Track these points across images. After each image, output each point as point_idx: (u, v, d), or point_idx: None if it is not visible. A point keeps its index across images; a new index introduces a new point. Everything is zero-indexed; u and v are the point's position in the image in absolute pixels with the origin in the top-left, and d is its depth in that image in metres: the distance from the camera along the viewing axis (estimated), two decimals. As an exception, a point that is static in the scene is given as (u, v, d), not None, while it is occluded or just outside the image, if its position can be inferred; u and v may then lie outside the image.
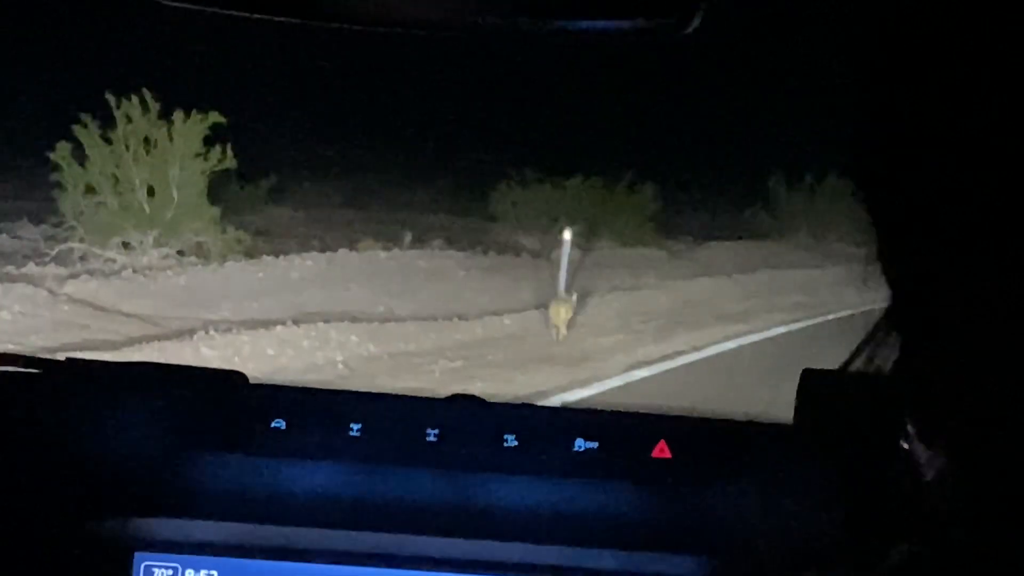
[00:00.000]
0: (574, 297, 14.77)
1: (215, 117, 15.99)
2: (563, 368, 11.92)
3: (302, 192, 23.65)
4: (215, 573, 1.59)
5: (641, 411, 1.64)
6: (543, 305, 15.09)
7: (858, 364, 0.78)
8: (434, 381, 10.81)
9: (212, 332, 11.74)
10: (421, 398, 1.67)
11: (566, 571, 1.56)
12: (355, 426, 1.58)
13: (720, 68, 36.91)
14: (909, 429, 0.68)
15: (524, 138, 27.35)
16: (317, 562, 1.58)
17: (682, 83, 37.72)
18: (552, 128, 29.44)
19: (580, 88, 36.06)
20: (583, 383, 11.13)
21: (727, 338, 14.55)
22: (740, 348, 14.14)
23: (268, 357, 11.19)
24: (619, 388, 11.13)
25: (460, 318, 13.84)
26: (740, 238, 24.64)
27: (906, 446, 0.68)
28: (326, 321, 12.63)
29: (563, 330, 14.40)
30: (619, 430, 1.58)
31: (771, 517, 1.54)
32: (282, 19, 1.23)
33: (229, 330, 11.96)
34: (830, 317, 16.60)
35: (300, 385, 1.71)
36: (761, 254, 23.17)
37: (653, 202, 23.04)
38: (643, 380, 11.68)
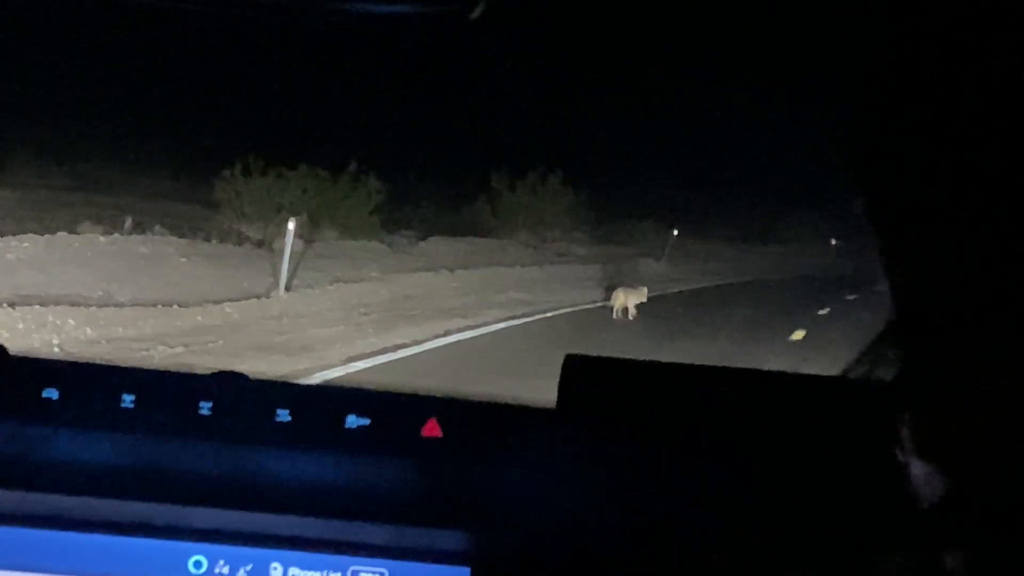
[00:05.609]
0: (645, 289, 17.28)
1: (-71, 91, 15.49)
2: (283, 357, 11.87)
3: (21, 173, 23.01)
4: (-18, 542, 1.56)
5: (411, 392, 1.67)
6: (264, 295, 15.03)
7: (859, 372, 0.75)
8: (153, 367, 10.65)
9: (-78, 312, 11.40)
10: (193, 374, 1.67)
11: (337, 544, 1.59)
12: (128, 397, 1.57)
13: (449, 62, 37.22)
14: (904, 440, 0.68)
15: (249, 126, 27.13)
16: (87, 531, 1.56)
17: (410, 76, 37.91)
18: (278, 116, 29.29)
19: (307, 77, 35.93)
20: (303, 373, 11.08)
21: (447, 332, 14.69)
22: (459, 342, 14.28)
23: (-20, 338, 10.88)
24: (339, 379, 11.09)
25: (180, 305, 13.67)
26: (462, 234, 24.88)
27: (900, 458, 0.68)
28: (43, 304, 12.34)
29: (632, 311, 16.73)
30: (391, 408, 1.61)
31: (535, 494, 1.59)
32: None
33: (-60, 310, 11.62)
34: (548, 315, 16.93)
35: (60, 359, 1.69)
36: (482, 250, 23.45)
37: (376, 195, 23.06)
38: (363, 371, 11.69)
